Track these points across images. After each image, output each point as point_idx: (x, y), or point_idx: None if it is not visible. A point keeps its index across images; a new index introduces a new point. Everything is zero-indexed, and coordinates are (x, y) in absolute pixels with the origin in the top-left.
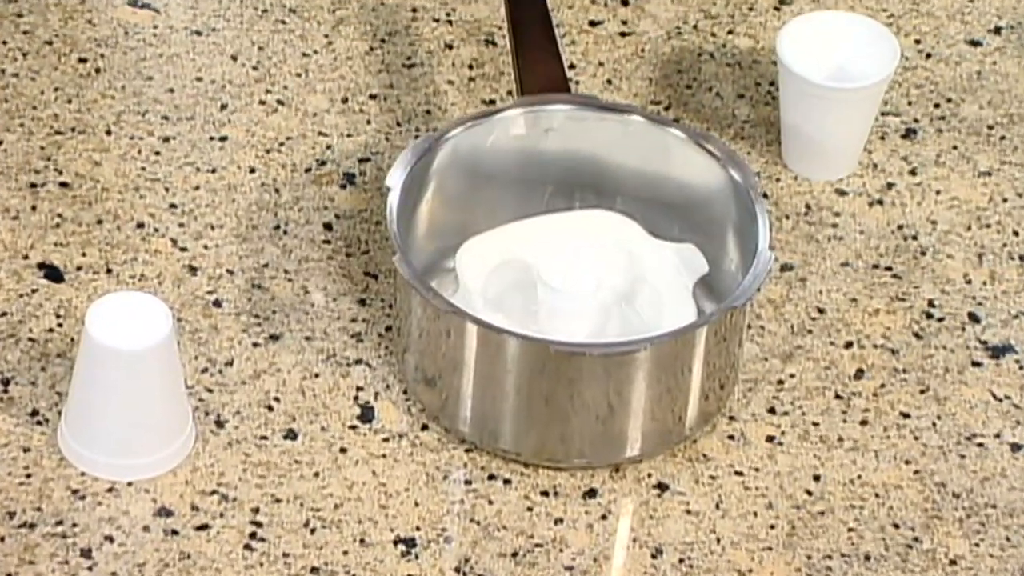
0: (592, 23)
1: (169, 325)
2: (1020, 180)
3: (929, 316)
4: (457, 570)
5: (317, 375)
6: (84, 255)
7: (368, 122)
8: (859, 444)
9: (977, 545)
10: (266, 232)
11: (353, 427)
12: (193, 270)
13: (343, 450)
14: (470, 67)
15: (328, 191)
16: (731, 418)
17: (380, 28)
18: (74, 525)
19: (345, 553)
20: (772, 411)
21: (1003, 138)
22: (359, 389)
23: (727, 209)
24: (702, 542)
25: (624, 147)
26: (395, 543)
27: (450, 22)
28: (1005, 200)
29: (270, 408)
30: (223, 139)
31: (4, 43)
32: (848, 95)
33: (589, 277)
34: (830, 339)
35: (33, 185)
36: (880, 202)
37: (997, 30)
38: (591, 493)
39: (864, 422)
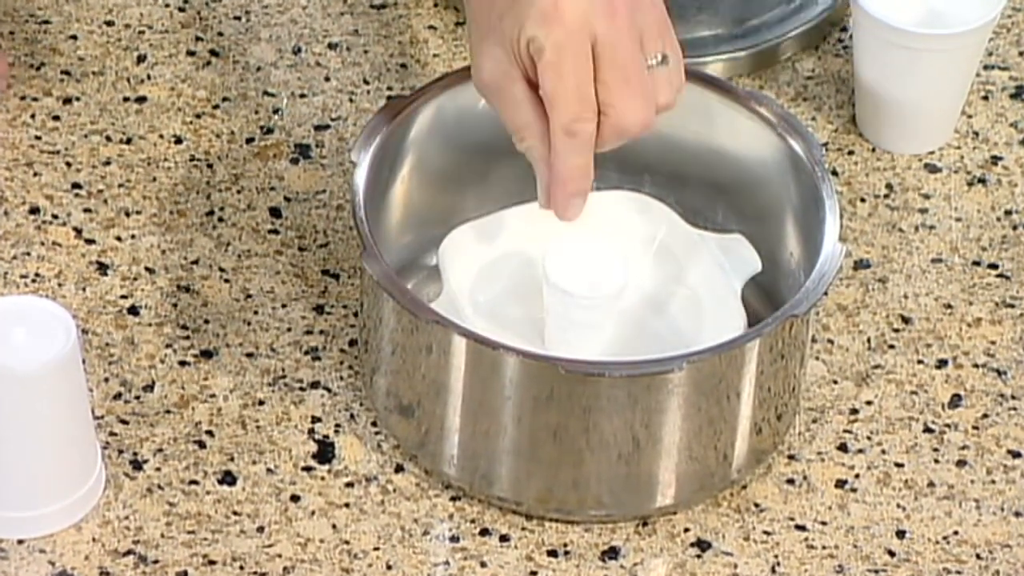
0: None
1: (72, 338)
2: None
3: None
4: None
5: (262, 402)
6: None
7: (327, 79)
8: (955, 491)
9: None
10: (196, 220)
11: (308, 468)
12: (103, 268)
13: (295, 498)
14: (456, 9)
15: (276, 167)
16: (791, 457)
17: None
18: None
19: None
20: (843, 448)
21: None
22: (315, 420)
23: (785, 190)
24: None
25: None
26: None
27: None
28: None
29: (202, 444)
30: (140, 100)
31: None
32: (941, 44)
33: (609, 277)
34: (918, 356)
35: None
36: (982, 181)
37: None
38: (612, 553)
39: (961, 463)
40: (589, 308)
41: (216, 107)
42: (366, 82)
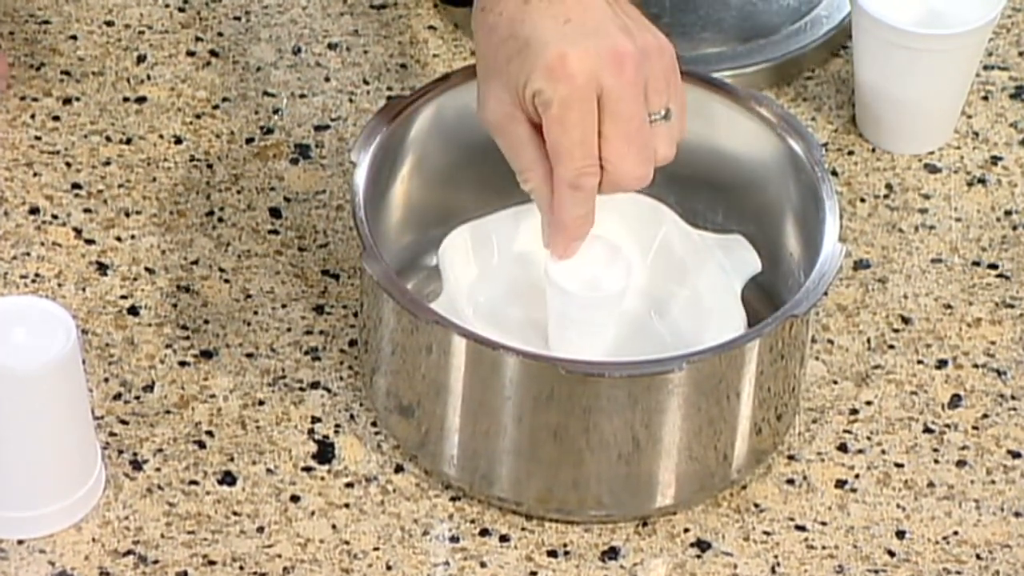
0: None
1: (72, 339)
2: None
3: None
4: None
5: (262, 402)
6: None
7: (326, 79)
8: (955, 491)
9: None
10: (196, 220)
11: (308, 469)
12: (103, 268)
13: (295, 498)
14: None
15: (276, 167)
16: (790, 457)
17: None
18: None
19: None
20: (843, 448)
21: None
22: (315, 420)
23: (785, 190)
24: None
25: None
26: None
27: None
28: None
29: (201, 445)
30: (140, 100)
31: None
32: (941, 44)
33: (611, 278)
34: (918, 356)
35: None
36: (982, 181)
37: None
38: (612, 553)
39: (961, 463)
40: (590, 307)
41: (216, 107)
42: (366, 82)
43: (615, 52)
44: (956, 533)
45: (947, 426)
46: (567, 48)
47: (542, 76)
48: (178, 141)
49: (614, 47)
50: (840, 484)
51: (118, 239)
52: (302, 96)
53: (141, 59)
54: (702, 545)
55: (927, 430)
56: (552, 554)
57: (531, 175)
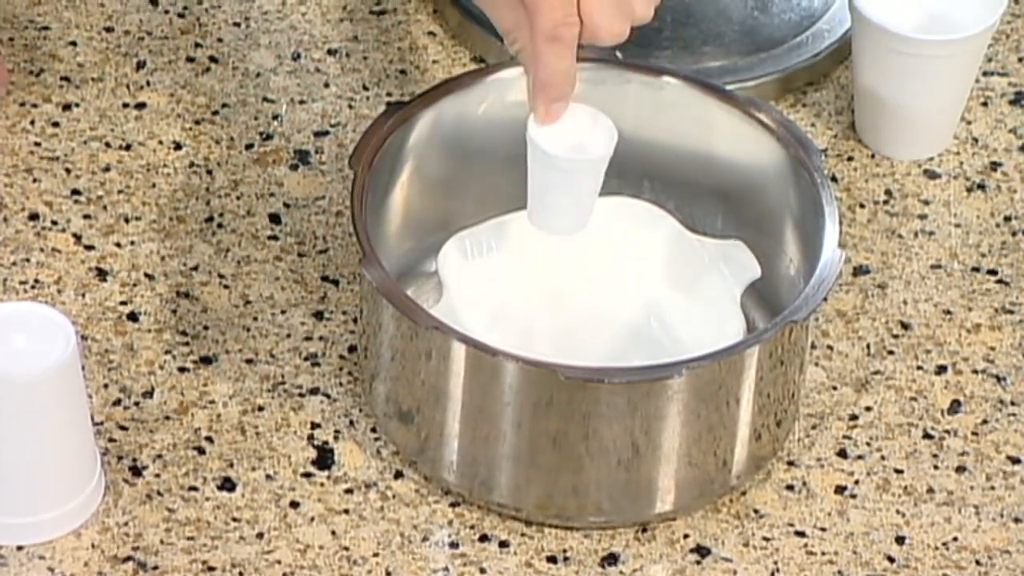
0: None
1: (71, 345)
2: None
3: None
4: None
5: (261, 408)
6: None
7: (326, 85)
8: (954, 497)
9: None
10: (196, 226)
11: (307, 475)
12: (102, 274)
13: (294, 504)
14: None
15: (275, 173)
16: (790, 463)
17: None
18: None
19: None
20: (843, 454)
21: None
22: (315, 426)
23: (784, 196)
24: None
25: (654, 118)
26: None
27: None
28: None
29: (201, 451)
30: (140, 106)
31: None
32: (940, 50)
33: (593, 142)
34: (917, 362)
35: None
36: (982, 187)
37: None
38: (611, 559)
39: (961, 469)
40: (573, 171)
41: (215, 113)
42: (365, 88)
43: None
44: (956, 539)
45: (947, 432)
46: None
47: None
48: (178, 147)
49: None
50: (840, 490)
51: (118, 245)
52: (302, 102)
53: (141, 65)
54: (702, 551)
55: (927, 436)
56: (552, 560)
57: (518, 35)
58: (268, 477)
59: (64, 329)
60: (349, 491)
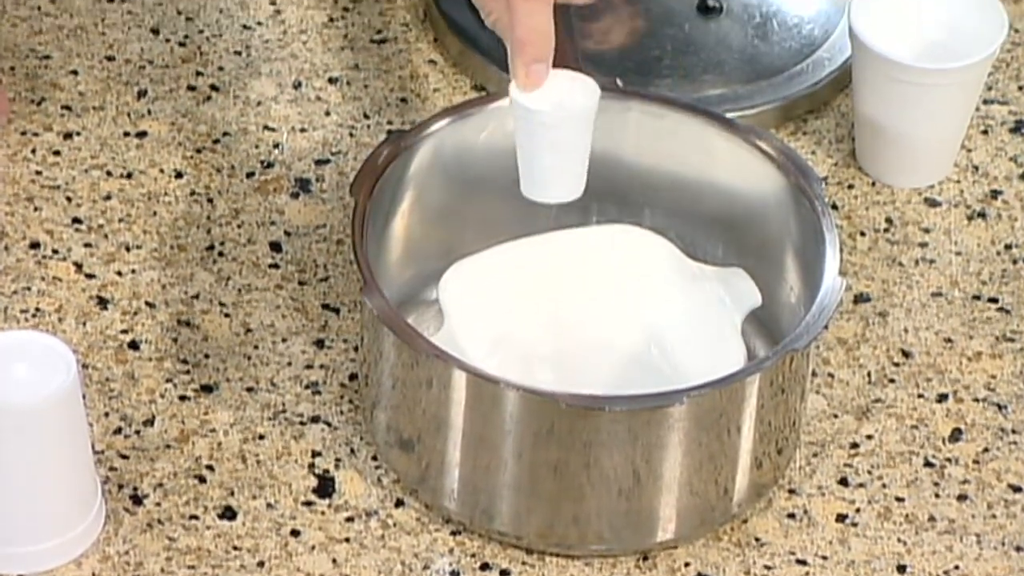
0: None
1: (72, 373)
2: None
3: None
4: None
5: (262, 437)
6: None
7: (327, 113)
8: (956, 525)
9: None
10: (196, 254)
11: (308, 503)
12: (103, 303)
13: (295, 532)
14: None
15: (276, 201)
16: (791, 491)
17: None
18: None
19: None
20: (844, 483)
21: None
22: (316, 455)
23: (785, 224)
24: None
25: (655, 146)
26: None
27: None
28: None
29: (202, 479)
30: (141, 135)
31: None
32: (941, 79)
33: (576, 98)
34: (918, 390)
35: None
36: (982, 215)
37: None
38: None
39: (962, 497)
40: (558, 126)
41: (216, 142)
42: (366, 116)
43: None
44: (957, 567)
45: (948, 460)
46: None
47: None
48: (179, 175)
49: None
50: (841, 518)
51: (118, 273)
52: (302, 130)
53: (142, 94)
54: None
55: (928, 464)
56: None
57: (493, 6)
58: (269, 505)
59: (65, 358)
60: (350, 519)
